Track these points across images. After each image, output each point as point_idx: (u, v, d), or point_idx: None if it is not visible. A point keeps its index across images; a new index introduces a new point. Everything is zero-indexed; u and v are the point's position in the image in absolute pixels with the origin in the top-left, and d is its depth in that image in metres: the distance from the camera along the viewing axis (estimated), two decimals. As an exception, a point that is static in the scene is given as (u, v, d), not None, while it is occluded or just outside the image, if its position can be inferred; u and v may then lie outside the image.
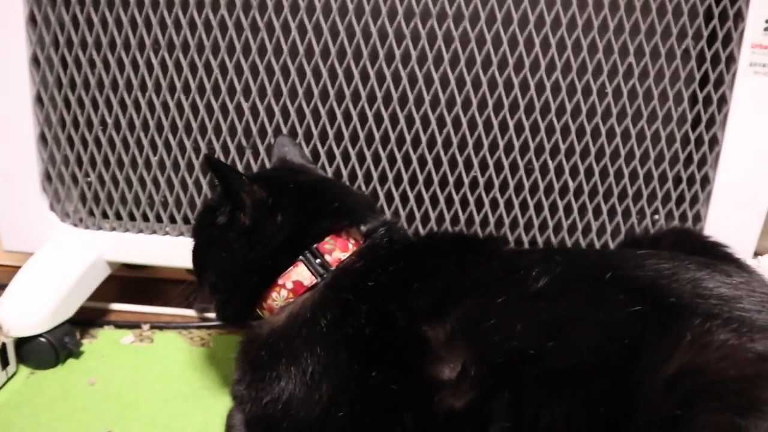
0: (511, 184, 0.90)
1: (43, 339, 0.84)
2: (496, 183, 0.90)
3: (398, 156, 0.89)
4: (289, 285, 0.67)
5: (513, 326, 0.55)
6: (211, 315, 1.00)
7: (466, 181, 0.90)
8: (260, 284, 0.68)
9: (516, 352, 0.54)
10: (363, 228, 0.69)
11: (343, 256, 0.67)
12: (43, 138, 0.92)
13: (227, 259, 0.69)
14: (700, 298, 0.52)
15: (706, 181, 0.91)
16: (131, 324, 0.97)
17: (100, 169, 0.92)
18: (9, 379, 0.82)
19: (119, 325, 0.97)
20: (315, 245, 0.68)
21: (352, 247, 0.68)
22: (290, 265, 0.67)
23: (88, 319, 0.97)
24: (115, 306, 1.03)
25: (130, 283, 1.14)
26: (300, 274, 0.67)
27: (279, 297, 0.68)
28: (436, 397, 0.56)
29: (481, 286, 0.61)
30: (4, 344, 0.81)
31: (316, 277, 0.66)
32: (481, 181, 0.90)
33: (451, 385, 0.56)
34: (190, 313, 1.02)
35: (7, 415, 0.76)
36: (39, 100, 0.90)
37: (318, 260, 0.67)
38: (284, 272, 0.67)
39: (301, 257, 0.67)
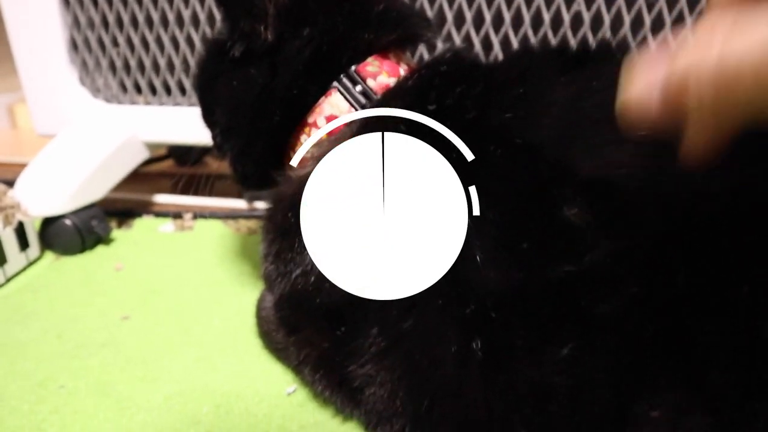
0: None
1: (67, 221, 0.74)
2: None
3: None
4: (321, 122, 0.50)
5: None
6: (263, 204, 0.87)
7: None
8: (284, 124, 0.51)
9: None
10: (419, 45, 0.51)
11: (392, 81, 0.50)
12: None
13: (242, 90, 0.52)
14: None
15: None
16: (173, 213, 0.85)
17: (127, 30, 0.80)
18: (31, 264, 0.73)
19: (159, 214, 0.86)
20: (354, 67, 0.50)
21: (404, 73, 0.51)
22: (321, 95, 0.50)
23: (126, 209, 0.86)
24: (159, 198, 0.91)
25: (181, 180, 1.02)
26: (335, 105, 0.50)
27: (310, 141, 0.51)
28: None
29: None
30: (21, 223, 0.71)
31: (356, 109, 0.49)
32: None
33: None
34: (240, 204, 0.89)
35: (21, 299, 0.66)
36: (56, -47, 0.78)
37: (358, 86, 0.50)
38: (314, 106, 0.51)
39: (335, 83, 0.50)
